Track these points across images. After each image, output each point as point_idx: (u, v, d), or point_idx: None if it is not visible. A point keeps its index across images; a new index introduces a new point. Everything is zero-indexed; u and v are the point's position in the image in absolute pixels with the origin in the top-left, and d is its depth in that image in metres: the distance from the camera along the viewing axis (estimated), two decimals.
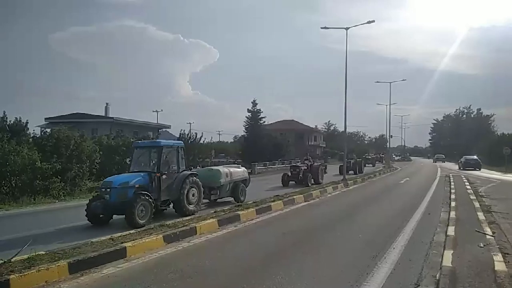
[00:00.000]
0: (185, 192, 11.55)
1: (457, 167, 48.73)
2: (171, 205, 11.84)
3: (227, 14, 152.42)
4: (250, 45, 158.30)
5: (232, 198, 14.69)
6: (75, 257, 6.43)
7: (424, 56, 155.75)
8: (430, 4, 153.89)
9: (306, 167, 23.56)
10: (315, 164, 24.88)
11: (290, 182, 22.78)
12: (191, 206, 11.74)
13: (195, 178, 12.15)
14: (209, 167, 15.82)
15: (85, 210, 10.31)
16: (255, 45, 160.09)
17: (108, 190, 10.33)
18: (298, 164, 24.78)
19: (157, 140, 12.82)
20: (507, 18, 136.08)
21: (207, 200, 13.76)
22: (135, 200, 9.94)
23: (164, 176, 11.24)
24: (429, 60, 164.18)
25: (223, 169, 14.66)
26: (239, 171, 15.49)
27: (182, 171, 11.94)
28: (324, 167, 26.19)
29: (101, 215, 10.36)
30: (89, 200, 10.71)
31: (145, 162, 11.96)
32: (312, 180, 22.84)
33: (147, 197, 10.23)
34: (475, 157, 47.82)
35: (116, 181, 10.64)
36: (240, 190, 14.83)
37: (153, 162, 11.65)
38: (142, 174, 11.03)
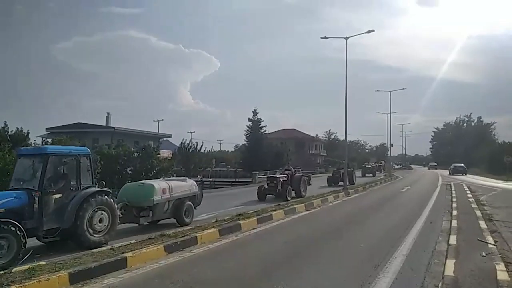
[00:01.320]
0: (86, 216, 8.51)
1: (447, 172, 57.08)
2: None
3: (228, 24, 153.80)
4: (251, 55, 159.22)
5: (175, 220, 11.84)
6: (76, 268, 6.41)
7: (424, 64, 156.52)
8: (429, 12, 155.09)
9: (285, 178, 20.61)
10: (297, 174, 21.52)
11: (268, 195, 19.72)
12: (96, 235, 8.70)
13: (105, 197, 9.10)
14: (140, 181, 12.57)
15: None
16: (255, 54, 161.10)
17: None
18: (277, 175, 21.22)
19: (44, 146, 9.90)
20: (506, 27, 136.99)
21: (136, 225, 11.04)
22: None
23: (57, 196, 8.42)
24: (429, 69, 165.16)
25: (159, 183, 11.69)
26: (184, 185, 12.51)
27: (84, 189, 8.92)
28: (307, 178, 22.60)
29: None
30: None
31: (29, 176, 8.71)
32: (293, 192, 20.09)
33: (12, 227, 7.17)
34: (462, 164, 57.73)
35: None
36: (185, 209, 11.83)
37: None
38: (17, 193, 8.07)
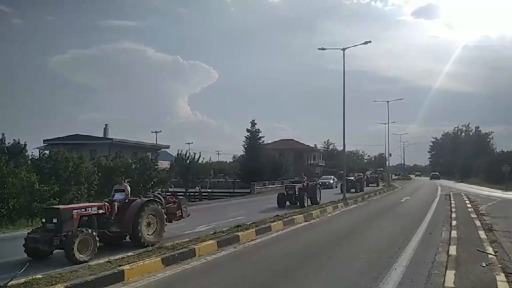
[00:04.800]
0: None
1: (428, 178, 77.90)
2: None
3: (225, 35, 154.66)
4: (249, 66, 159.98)
5: None
6: (73, 281, 6.33)
7: (420, 74, 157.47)
8: (424, 23, 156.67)
9: (103, 210, 10.00)
10: (138, 201, 10.73)
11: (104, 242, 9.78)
12: None
13: None
14: None
15: None
16: (253, 65, 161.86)
17: None
18: (61, 206, 10.59)
19: None
20: (501, 37, 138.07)
21: None
22: None
23: None
24: (425, 79, 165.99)
25: None
26: None
27: None
28: (181, 207, 12.13)
29: None
30: None
31: None
32: (137, 236, 10.05)
33: None
34: (437, 173, 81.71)
35: None
36: None
37: None
38: None
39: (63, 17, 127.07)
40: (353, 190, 33.73)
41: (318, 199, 22.54)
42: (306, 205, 20.82)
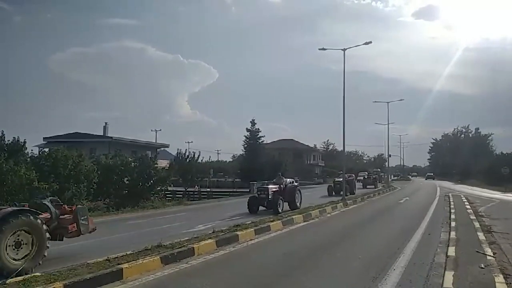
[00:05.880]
0: None
1: (424, 178, 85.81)
2: None
3: (226, 35, 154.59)
4: (249, 66, 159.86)
5: None
6: (71, 279, 6.32)
7: (421, 75, 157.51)
8: (425, 25, 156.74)
9: None
10: None
11: None
12: None
13: None
14: None
15: None
16: (254, 65, 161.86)
17: None
18: None
19: None
20: (501, 39, 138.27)
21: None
22: None
23: None
24: (426, 80, 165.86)
25: None
26: None
27: None
28: (77, 220, 8.98)
29: None
30: None
31: None
32: None
33: None
34: (432, 174, 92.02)
35: None
36: None
37: None
38: None
39: (62, 15, 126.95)
40: (341, 192, 28.13)
41: (298, 204, 19.28)
42: (281, 210, 17.59)
